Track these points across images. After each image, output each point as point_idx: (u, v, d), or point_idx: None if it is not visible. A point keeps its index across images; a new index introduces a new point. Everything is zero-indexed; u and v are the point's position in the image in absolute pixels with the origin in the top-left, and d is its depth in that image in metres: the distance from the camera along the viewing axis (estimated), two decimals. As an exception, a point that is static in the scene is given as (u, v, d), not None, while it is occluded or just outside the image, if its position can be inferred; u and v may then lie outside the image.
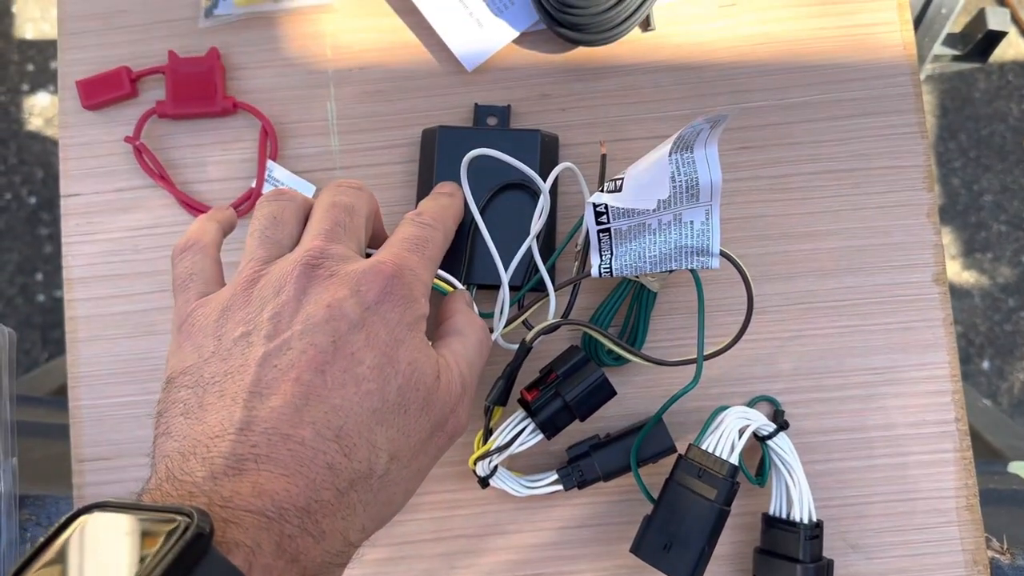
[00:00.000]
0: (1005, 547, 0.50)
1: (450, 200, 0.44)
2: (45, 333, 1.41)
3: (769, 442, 0.46)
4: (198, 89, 0.51)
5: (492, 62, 0.52)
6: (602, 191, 0.42)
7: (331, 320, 0.32)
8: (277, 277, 0.34)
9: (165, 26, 0.53)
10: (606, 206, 0.42)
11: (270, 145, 0.51)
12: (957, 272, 1.41)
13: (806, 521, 0.45)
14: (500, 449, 0.45)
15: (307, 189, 0.50)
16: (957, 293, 1.41)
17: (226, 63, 0.52)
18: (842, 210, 0.50)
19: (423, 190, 0.49)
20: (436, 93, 0.52)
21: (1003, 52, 1.47)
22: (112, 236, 0.51)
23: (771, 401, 0.49)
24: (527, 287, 0.47)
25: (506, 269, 0.45)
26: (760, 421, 0.46)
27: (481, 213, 0.46)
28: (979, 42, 0.85)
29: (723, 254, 0.42)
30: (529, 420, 0.44)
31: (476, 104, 0.51)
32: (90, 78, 0.51)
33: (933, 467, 0.49)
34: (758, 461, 0.47)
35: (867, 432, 0.49)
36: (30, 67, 1.50)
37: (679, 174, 0.40)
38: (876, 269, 0.50)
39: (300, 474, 0.28)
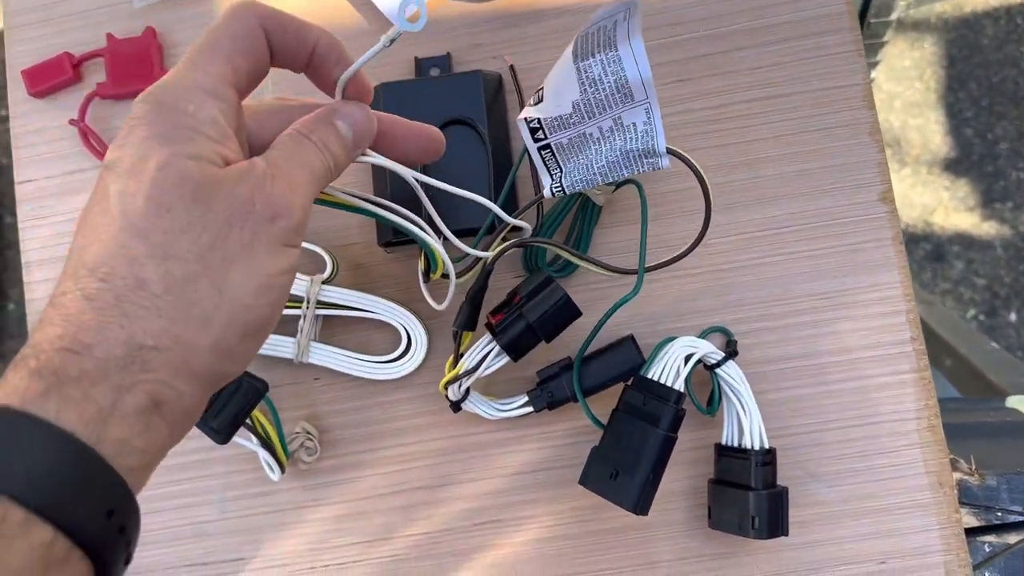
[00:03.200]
0: (973, 467, 0.49)
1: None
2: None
3: (718, 370, 0.45)
4: (137, 68, 0.52)
5: (419, 17, 0.52)
6: (529, 105, 0.42)
7: (103, 168, 0.32)
8: None
9: (104, 11, 0.54)
10: (538, 120, 0.42)
11: (208, 117, 0.52)
12: (976, 224, 1.37)
13: (756, 448, 0.44)
14: (468, 373, 0.45)
15: (246, 157, 0.51)
16: (978, 245, 1.37)
17: (162, 41, 0.53)
18: (781, 135, 0.49)
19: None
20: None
21: (1008, -5, 1.43)
22: (64, 218, 0.52)
23: (723, 331, 0.48)
24: (484, 228, 0.47)
25: (463, 213, 0.45)
26: (707, 349, 0.45)
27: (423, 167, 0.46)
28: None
29: (671, 151, 0.42)
30: (495, 343, 0.44)
31: (416, 57, 0.51)
32: (34, 66, 0.53)
33: (891, 389, 0.48)
34: (709, 393, 0.47)
35: (820, 358, 0.48)
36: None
37: (606, 75, 0.40)
38: (820, 192, 0.49)
39: (59, 317, 0.29)
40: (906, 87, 1.41)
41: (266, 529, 0.50)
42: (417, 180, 0.41)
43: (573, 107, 0.41)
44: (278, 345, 0.49)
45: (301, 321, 0.48)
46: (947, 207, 1.38)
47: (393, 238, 0.48)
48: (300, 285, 0.48)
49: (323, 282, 0.48)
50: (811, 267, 0.48)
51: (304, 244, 0.49)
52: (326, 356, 0.49)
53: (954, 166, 1.39)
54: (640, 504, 0.42)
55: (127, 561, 0.29)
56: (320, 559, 0.49)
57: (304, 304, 0.48)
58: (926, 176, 1.38)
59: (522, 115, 0.42)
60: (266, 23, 0.33)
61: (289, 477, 0.50)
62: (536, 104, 0.42)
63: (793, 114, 0.50)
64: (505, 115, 0.50)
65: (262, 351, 0.49)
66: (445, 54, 0.51)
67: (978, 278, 1.36)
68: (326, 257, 0.49)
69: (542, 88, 0.42)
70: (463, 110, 0.48)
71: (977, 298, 1.36)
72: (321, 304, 0.48)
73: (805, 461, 0.47)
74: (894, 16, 0.77)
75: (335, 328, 0.50)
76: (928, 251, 1.37)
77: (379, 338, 0.50)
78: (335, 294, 0.48)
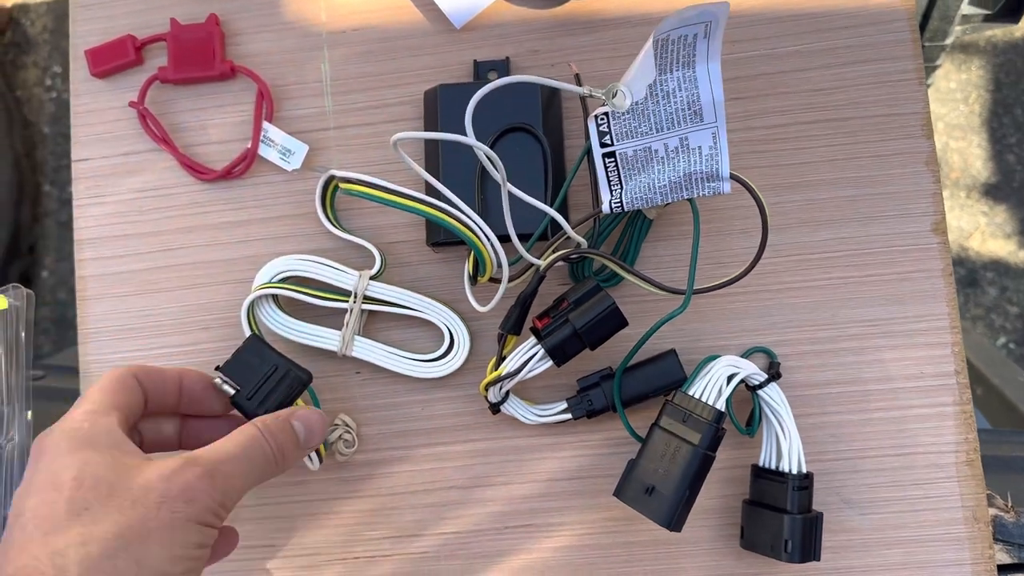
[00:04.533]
0: (1010, 504, 0.48)
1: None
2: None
3: (760, 392, 0.45)
4: (198, 54, 0.53)
5: (481, 19, 0.52)
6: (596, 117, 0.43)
7: (15, 499, 0.36)
8: None
9: (169, -5, 0.54)
10: (608, 124, 0.42)
11: (266, 107, 0.52)
12: (1013, 251, 1.36)
13: (795, 472, 0.44)
14: (510, 375, 0.45)
15: (301, 149, 0.51)
16: (1013, 273, 1.36)
17: (225, 28, 0.53)
18: (836, 159, 0.49)
19: (429, 148, 0.50)
20: (427, 52, 0.52)
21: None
22: (119, 199, 0.53)
23: (767, 352, 0.48)
24: (537, 234, 0.47)
25: (515, 217, 0.44)
26: (750, 370, 0.45)
27: (479, 176, 0.48)
28: (1008, 0, 0.82)
29: (734, 177, 0.42)
30: (539, 347, 0.45)
31: (475, 60, 0.52)
32: (98, 47, 0.53)
33: (932, 421, 0.47)
34: (749, 413, 0.47)
35: (863, 385, 0.48)
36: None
37: (680, 90, 0.40)
38: (871, 219, 0.49)
39: None
40: (950, 109, 1.40)
41: (299, 518, 0.50)
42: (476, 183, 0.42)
43: (643, 114, 0.41)
44: (323, 337, 0.49)
45: (347, 315, 0.48)
46: (984, 232, 1.36)
47: (443, 239, 0.48)
48: (349, 279, 0.49)
49: (371, 278, 0.49)
50: (859, 293, 0.48)
51: (354, 239, 0.50)
52: (369, 351, 0.49)
53: (994, 192, 1.37)
54: (674, 521, 0.43)
55: None
56: (351, 551, 0.50)
57: (352, 298, 0.48)
58: (964, 200, 1.37)
59: (595, 112, 0.42)
60: (136, 373, 0.41)
61: (325, 468, 0.50)
62: (610, 100, 0.42)
63: (849, 139, 0.49)
64: (560, 123, 0.50)
65: (307, 342, 0.49)
66: (504, 58, 0.52)
67: (1011, 306, 1.35)
68: (375, 253, 0.49)
69: (613, 87, 0.42)
70: (520, 115, 0.48)
71: (1009, 326, 1.35)
72: (368, 299, 0.49)
73: (839, 487, 0.47)
74: (949, 41, 0.77)
75: (379, 324, 0.51)
76: (962, 276, 1.36)
77: (422, 336, 0.51)
78: (382, 290, 0.49)
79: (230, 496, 0.37)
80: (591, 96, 0.41)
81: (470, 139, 0.39)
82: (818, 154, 0.50)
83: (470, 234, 0.43)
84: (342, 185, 0.46)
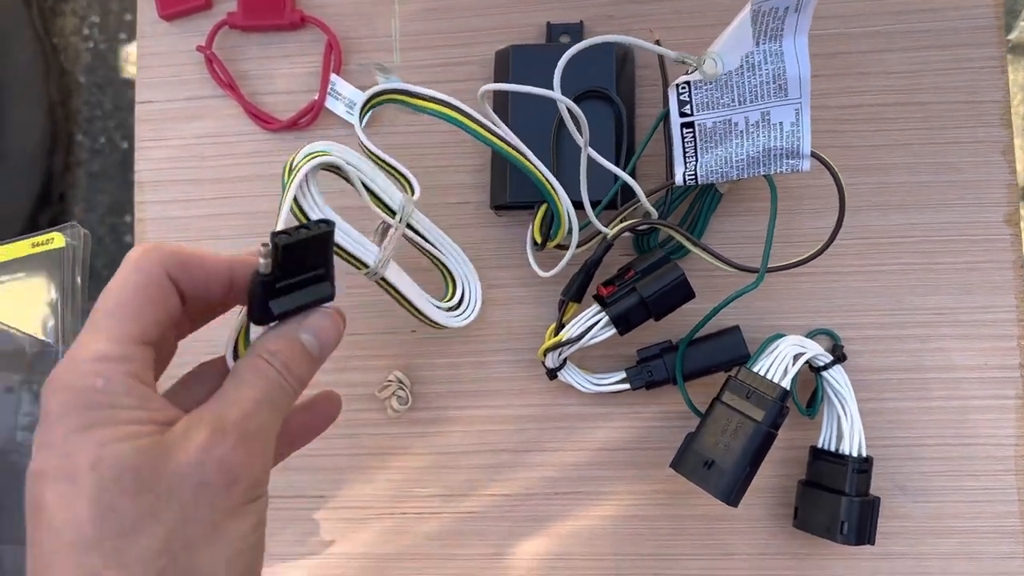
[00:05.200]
0: (1066, 501, 0.48)
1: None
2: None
3: (824, 373, 0.45)
4: (268, 2, 0.52)
5: (556, -18, 0.51)
6: (684, 75, 0.42)
7: (31, 478, 0.29)
8: None
9: (241, -59, 0.54)
10: (689, 93, 0.41)
11: (334, 59, 0.52)
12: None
13: (855, 454, 0.44)
14: (571, 341, 0.45)
15: (369, 102, 0.51)
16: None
17: (297, -23, 0.53)
18: (911, 144, 0.49)
19: (499, 111, 0.49)
20: (497, 12, 0.52)
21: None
22: (181, 143, 0.53)
23: (831, 335, 0.47)
24: (606, 201, 0.46)
25: (586, 184, 0.44)
26: (816, 351, 0.45)
27: (555, 136, 0.46)
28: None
29: (815, 155, 0.41)
30: (603, 314, 0.45)
31: (548, 23, 0.51)
32: (167, -11, 0.53)
33: (993, 413, 0.47)
34: (810, 394, 0.46)
35: (924, 373, 0.47)
36: (127, 16, 1.55)
37: (766, 63, 0.40)
38: (944, 206, 0.48)
39: None
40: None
41: (348, 471, 0.50)
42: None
43: (726, 85, 0.41)
44: (364, 246, 0.42)
45: (391, 231, 0.43)
46: None
47: (510, 200, 0.48)
48: (395, 196, 0.44)
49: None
50: (926, 280, 0.48)
51: (396, 163, 0.44)
52: (398, 276, 0.45)
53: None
54: (733, 496, 0.42)
55: None
56: (399, 507, 0.50)
57: (397, 218, 0.44)
58: None
59: (676, 80, 0.42)
60: (170, 268, 0.31)
61: (376, 423, 0.50)
62: (691, 72, 0.41)
63: (925, 124, 0.49)
64: (632, 91, 0.50)
65: (347, 245, 0.42)
66: (578, 22, 0.51)
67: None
68: (414, 181, 0.45)
69: (698, 57, 0.41)
70: (593, 80, 0.48)
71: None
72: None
73: (895, 473, 0.47)
74: (1012, 36, 0.76)
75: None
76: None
77: (430, 283, 0.48)
78: (420, 221, 0.46)
79: (267, 455, 0.31)
80: (682, 62, 0.40)
81: (558, 95, 0.39)
82: (892, 137, 0.49)
83: (552, 192, 0.43)
84: (415, 102, 0.42)
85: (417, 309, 0.45)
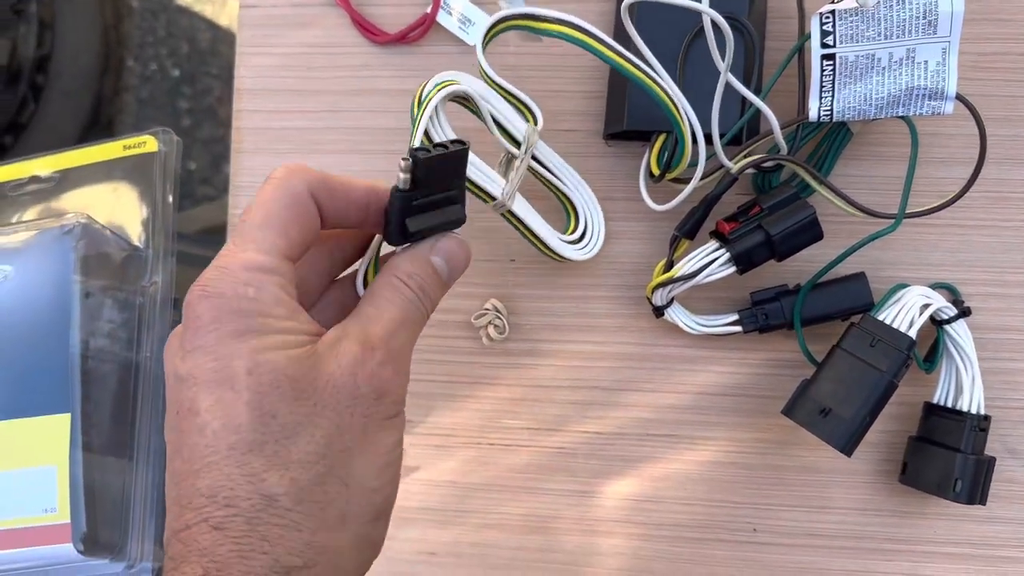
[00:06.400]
0: None
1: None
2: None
3: (947, 327, 0.43)
4: (383, -91, 0.50)
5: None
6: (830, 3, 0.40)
7: (174, 381, 0.30)
8: None
9: None
10: (833, 23, 0.39)
11: (450, -28, 0.50)
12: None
13: (974, 412, 0.43)
14: (685, 278, 0.43)
15: (482, 20, 0.49)
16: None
17: None
18: (1050, 97, 0.46)
19: (619, 32, 0.47)
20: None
21: None
22: (285, 51, 0.51)
23: (950, 289, 0.46)
24: (731, 133, 0.44)
25: (709, 114, 0.41)
26: (941, 303, 0.43)
27: (681, 61, 0.44)
28: None
29: (960, 98, 0.40)
30: (723, 251, 0.43)
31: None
32: None
33: (1115, 381, 0.45)
34: (928, 347, 0.45)
35: (1045, 335, 0.46)
36: (184, -58, 1.52)
37: None
38: (1081, 163, 0.46)
39: (195, 554, 0.27)
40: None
41: (439, 397, 0.49)
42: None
43: (873, 17, 0.39)
44: (490, 177, 0.42)
45: (518, 162, 0.43)
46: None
47: (627, 127, 0.46)
48: (520, 127, 0.43)
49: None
50: (1055, 240, 0.46)
51: (520, 93, 0.44)
52: (524, 209, 0.45)
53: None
54: (849, 445, 0.41)
55: None
56: (487, 436, 0.49)
57: (523, 149, 0.43)
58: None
59: (822, 8, 0.40)
60: (315, 189, 0.32)
61: (469, 351, 0.49)
62: (839, 1, 0.39)
63: (1066, 77, 0.46)
64: (764, 20, 0.47)
65: (474, 177, 0.42)
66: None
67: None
68: (537, 110, 0.44)
69: None
70: (723, 5, 0.46)
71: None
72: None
73: (1005, 436, 0.46)
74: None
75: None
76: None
77: (549, 213, 0.47)
78: (544, 152, 0.45)
79: (406, 373, 0.33)
80: None
81: (706, 7, 0.37)
82: (1030, 89, 0.47)
83: (680, 119, 0.41)
84: (537, 25, 0.41)
85: (543, 242, 0.45)
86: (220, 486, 0.27)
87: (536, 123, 0.44)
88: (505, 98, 0.43)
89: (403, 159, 0.32)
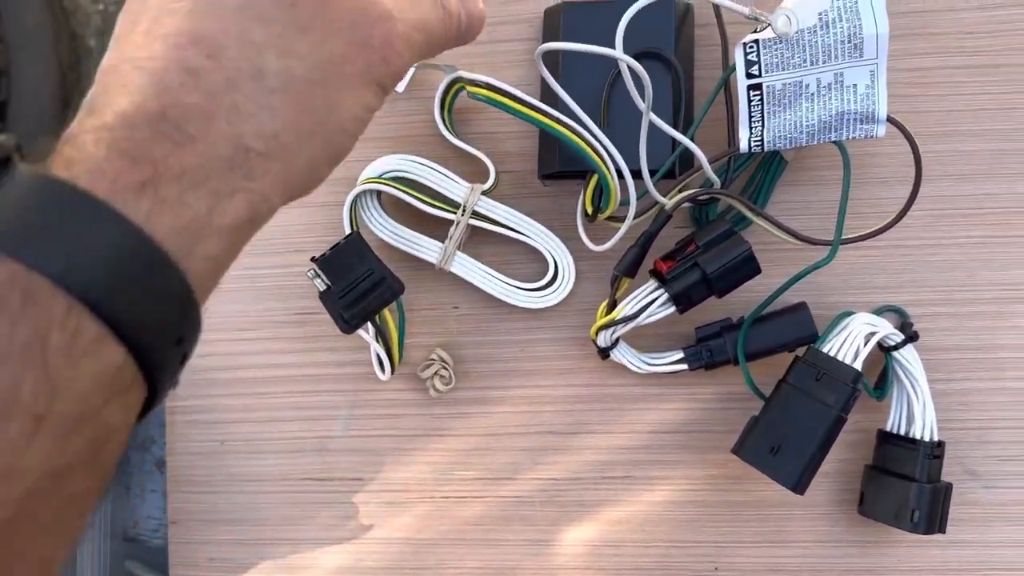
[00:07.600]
0: None
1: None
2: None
3: (894, 353, 0.43)
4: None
5: (609, -64, 0.48)
6: (752, 32, 0.39)
7: None
8: None
9: None
10: (758, 52, 0.39)
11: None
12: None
13: (927, 439, 0.42)
14: (626, 320, 0.43)
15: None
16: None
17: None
18: (986, 109, 0.46)
19: (552, 70, 0.46)
20: (547, -31, 0.49)
21: None
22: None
23: (899, 312, 0.45)
24: (663, 170, 0.43)
25: (646, 150, 0.41)
26: (888, 330, 0.42)
27: (605, 102, 0.44)
28: None
29: (891, 120, 0.39)
30: (661, 291, 0.42)
31: (603, -22, 0.48)
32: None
33: (1069, 394, 0.45)
34: (878, 374, 0.44)
35: (997, 352, 0.45)
36: (135, -20, 1.51)
37: (841, 20, 0.37)
38: (1021, 176, 0.45)
39: (151, 85, 0.24)
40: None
41: (389, 452, 0.48)
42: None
43: (798, 44, 0.38)
44: (424, 246, 0.46)
45: (453, 227, 0.45)
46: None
47: (560, 168, 0.45)
48: (459, 190, 0.45)
49: (482, 192, 0.45)
50: (1000, 255, 0.45)
51: (471, 150, 0.47)
52: (469, 269, 0.46)
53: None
54: (800, 484, 0.40)
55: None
56: (440, 490, 0.48)
57: (460, 211, 0.45)
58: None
59: (744, 39, 0.39)
60: None
61: (417, 404, 0.48)
62: (761, 31, 0.38)
63: (1001, 88, 0.46)
64: (692, 51, 0.47)
65: (406, 248, 0.46)
66: (630, -22, 0.48)
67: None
68: (491, 167, 0.46)
69: (771, 14, 0.39)
70: (650, 39, 0.45)
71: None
72: (476, 215, 0.46)
73: (964, 458, 0.45)
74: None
75: (480, 246, 0.48)
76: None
77: (521, 264, 0.48)
78: (492, 207, 0.46)
79: (406, 66, 0.30)
80: (755, 18, 0.37)
81: (620, 53, 0.36)
82: (965, 102, 0.46)
83: (600, 163, 0.40)
84: (469, 88, 0.43)
85: (501, 303, 0.47)
86: (208, 33, 0.25)
87: (489, 181, 0.46)
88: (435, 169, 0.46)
89: (307, 272, 0.43)
